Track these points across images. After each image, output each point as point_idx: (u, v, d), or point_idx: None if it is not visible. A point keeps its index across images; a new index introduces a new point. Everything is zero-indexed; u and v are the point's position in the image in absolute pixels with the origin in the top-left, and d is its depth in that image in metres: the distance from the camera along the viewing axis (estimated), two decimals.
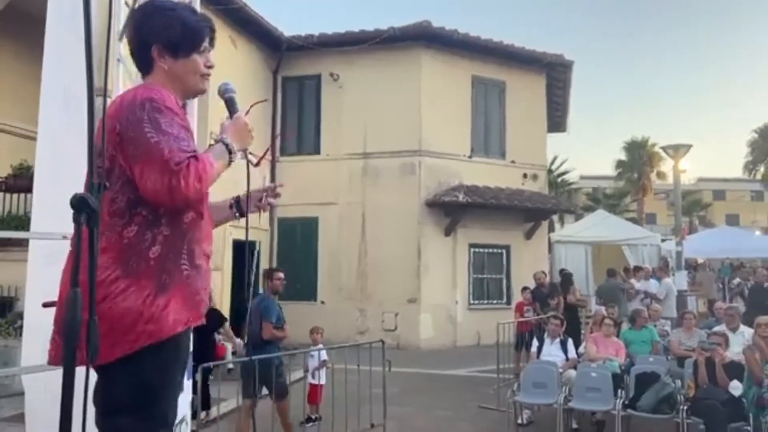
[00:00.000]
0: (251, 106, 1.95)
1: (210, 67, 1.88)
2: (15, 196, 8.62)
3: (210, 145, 1.79)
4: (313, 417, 6.42)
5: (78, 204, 1.06)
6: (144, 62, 1.82)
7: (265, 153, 1.99)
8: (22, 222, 8.25)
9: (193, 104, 3.79)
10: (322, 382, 6.58)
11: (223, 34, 11.60)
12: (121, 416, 1.57)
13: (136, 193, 1.60)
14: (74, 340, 1.04)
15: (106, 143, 1.56)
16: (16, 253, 8.12)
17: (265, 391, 5.61)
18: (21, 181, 8.43)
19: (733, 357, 5.79)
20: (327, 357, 6.63)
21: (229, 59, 11.75)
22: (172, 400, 1.72)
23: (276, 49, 13.24)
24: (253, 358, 5.38)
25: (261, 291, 6.63)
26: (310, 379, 6.62)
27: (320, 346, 6.75)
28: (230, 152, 1.74)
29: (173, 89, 1.81)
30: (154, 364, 1.60)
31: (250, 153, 1.91)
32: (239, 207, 2.10)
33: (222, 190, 2.10)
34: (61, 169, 2.86)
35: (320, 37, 13.07)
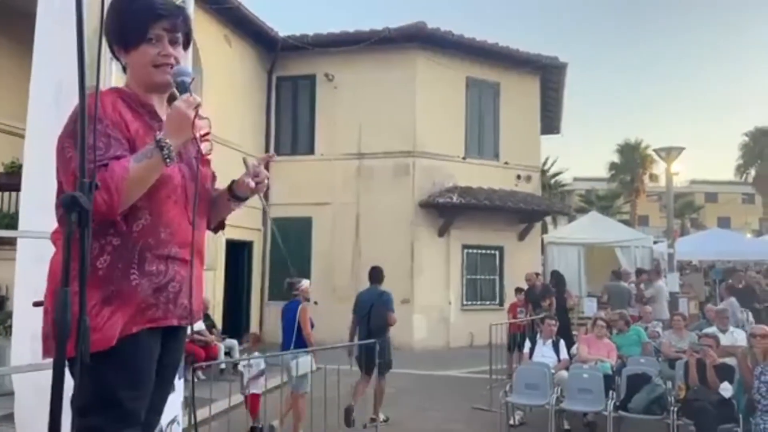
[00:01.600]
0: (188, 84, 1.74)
1: (165, 55, 1.72)
2: (6, 194, 8.56)
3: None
4: (260, 426, 6.10)
5: (69, 203, 1.05)
6: (118, 60, 1.80)
7: (208, 133, 1.82)
8: (13, 220, 8.19)
9: None
10: (260, 391, 6.22)
11: (218, 33, 11.57)
12: (90, 416, 1.57)
13: None
14: (64, 340, 1.03)
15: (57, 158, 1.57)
16: (6, 252, 8.07)
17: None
18: (12, 179, 8.36)
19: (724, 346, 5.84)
20: (264, 366, 6.30)
21: (223, 59, 11.71)
22: (143, 399, 1.71)
23: (271, 48, 13.22)
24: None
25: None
26: (249, 390, 6.16)
27: (256, 354, 6.32)
28: (161, 148, 1.58)
29: (138, 84, 1.76)
30: (113, 365, 1.59)
31: (205, 140, 1.78)
32: (233, 194, 1.92)
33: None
34: (51, 167, 2.85)
35: (315, 37, 13.06)
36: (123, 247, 1.63)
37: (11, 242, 8.04)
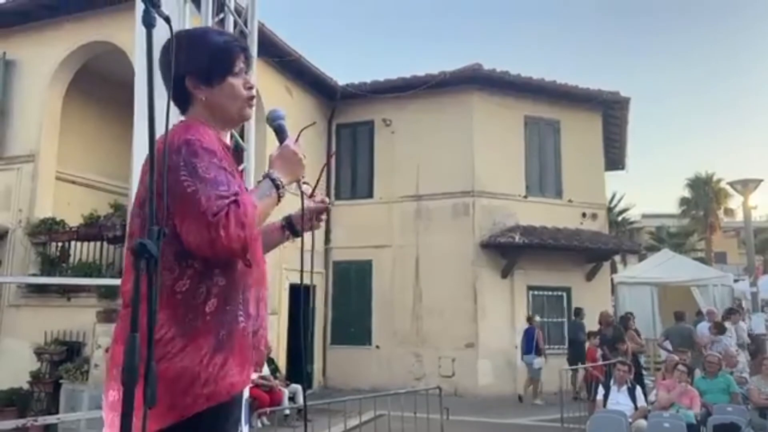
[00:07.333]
0: (300, 132, 1.82)
1: (250, 88, 1.72)
2: (85, 244, 9.05)
3: (258, 182, 1.67)
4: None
5: (138, 250, 1.08)
6: (181, 98, 1.66)
7: (318, 180, 1.85)
8: (91, 269, 8.63)
9: (250, 133, 3.88)
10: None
11: (279, 84, 12.06)
12: None
13: (183, 245, 1.47)
14: (132, 386, 1.04)
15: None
16: (84, 299, 8.49)
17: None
18: (91, 230, 8.85)
19: None
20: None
21: (285, 108, 12.13)
22: None
23: (330, 97, 13.63)
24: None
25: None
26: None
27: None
28: (277, 187, 1.60)
29: (216, 120, 1.68)
30: (228, 418, 1.53)
31: (305, 183, 1.79)
32: (291, 227, 1.93)
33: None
34: None
35: (373, 84, 13.39)
36: (230, 287, 1.53)
37: (89, 290, 8.47)
